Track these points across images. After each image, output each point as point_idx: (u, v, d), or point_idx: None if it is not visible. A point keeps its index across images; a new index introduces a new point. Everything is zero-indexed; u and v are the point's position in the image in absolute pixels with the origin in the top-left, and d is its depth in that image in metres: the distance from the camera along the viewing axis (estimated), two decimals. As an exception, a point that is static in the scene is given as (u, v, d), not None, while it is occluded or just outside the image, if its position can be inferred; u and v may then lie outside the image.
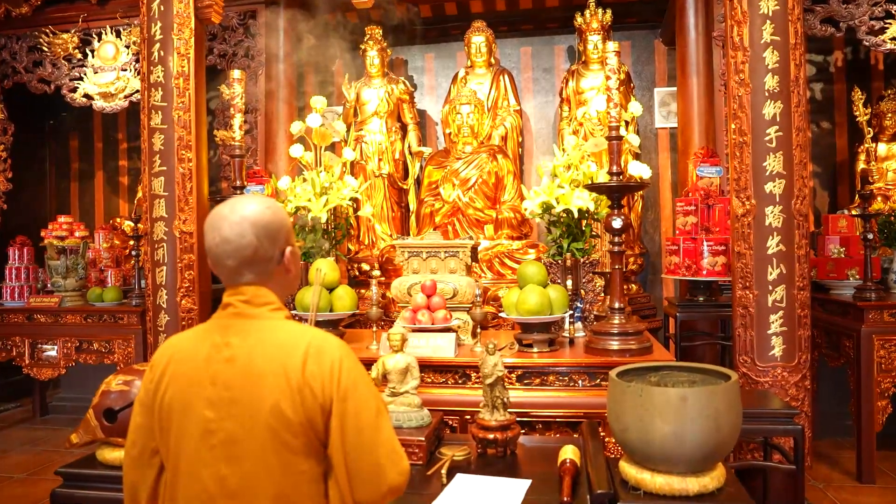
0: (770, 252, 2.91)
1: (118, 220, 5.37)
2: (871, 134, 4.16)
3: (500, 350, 2.12)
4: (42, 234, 4.86)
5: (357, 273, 4.93)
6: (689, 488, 1.56)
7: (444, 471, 1.79)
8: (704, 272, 3.87)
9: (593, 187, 2.86)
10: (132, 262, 4.61)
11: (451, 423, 2.60)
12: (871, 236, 3.58)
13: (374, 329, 3.03)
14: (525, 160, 5.50)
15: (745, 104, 2.96)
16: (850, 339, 3.62)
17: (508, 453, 1.98)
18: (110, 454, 1.97)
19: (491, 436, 1.96)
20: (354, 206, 3.69)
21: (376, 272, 3.57)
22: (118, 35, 4.75)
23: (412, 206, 5.22)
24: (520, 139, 5.25)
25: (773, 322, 2.91)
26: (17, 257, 4.93)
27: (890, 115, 4.64)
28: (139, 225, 4.39)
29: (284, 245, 1.25)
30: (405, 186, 5.26)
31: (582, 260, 3.16)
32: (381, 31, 5.23)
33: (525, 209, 3.35)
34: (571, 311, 3.00)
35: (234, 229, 1.19)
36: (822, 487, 3.47)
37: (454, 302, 3.07)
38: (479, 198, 4.75)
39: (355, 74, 5.34)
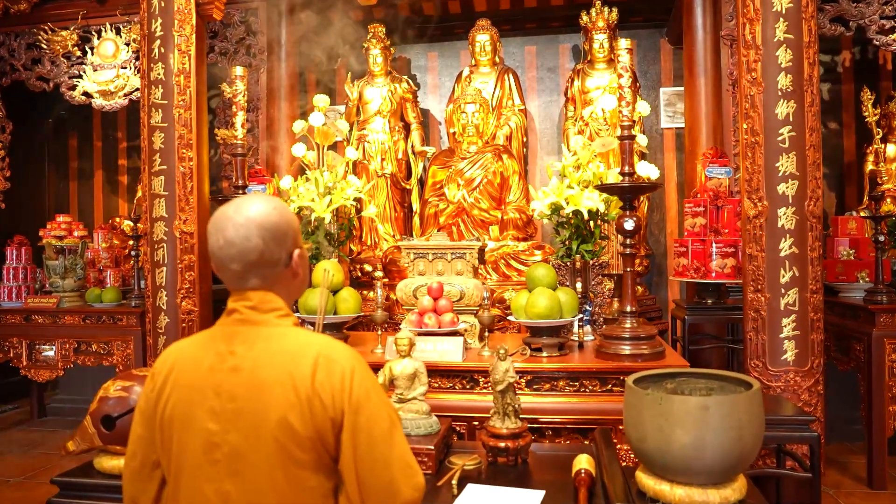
0: (783, 254, 2.85)
1: (117, 219, 5.32)
2: (881, 135, 4.11)
3: (511, 355, 2.06)
4: (40, 233, 4.81)
5: (359, 274, 4.87)
6: (710, 500, 1.50)
7: (454, 481, 1.73)
8: (713, 274, 3.81)
9: (605, 188, 2.80)
10: (131, 262, 4.56)
11: (458, 429, 2.54)
12: (882, 238, 3.54)
13: (380, 332, 2.97)
14: (529, 160, 5.45)
15: (757, 103, 2.90)
16: (861, 343, 3.57)
17: (520, 462, 1.92)
18: (108, 462, 1.90)
19: (502, 444, 1.91)
20: (358, 206, 3.64)
21: (379, 273, 3.51)
22: (118, 32, 4.69)
23: (415, 206, 5.16)
24: (524, 139, 5.20)
25: (785, 326, 2.86)
26: (14, 257, 4.88)
27: (900, 115, 4.58)
28: (139, 225, 4.33)
29: (292, 248, 1.19)
30: (408, 186, 5.21)
31: (591, 262, 3.11)
32: (384, 30, 5.18)
33: (533, 210, 3.29)
34: (581, 315, 2.94)
35: (239, 231, 1.13)
36: (832, 493, 3.41)
37: (461, 305, 3.00)
38: (483, 198, 4.69)
39: (358, 73, 5.29)
